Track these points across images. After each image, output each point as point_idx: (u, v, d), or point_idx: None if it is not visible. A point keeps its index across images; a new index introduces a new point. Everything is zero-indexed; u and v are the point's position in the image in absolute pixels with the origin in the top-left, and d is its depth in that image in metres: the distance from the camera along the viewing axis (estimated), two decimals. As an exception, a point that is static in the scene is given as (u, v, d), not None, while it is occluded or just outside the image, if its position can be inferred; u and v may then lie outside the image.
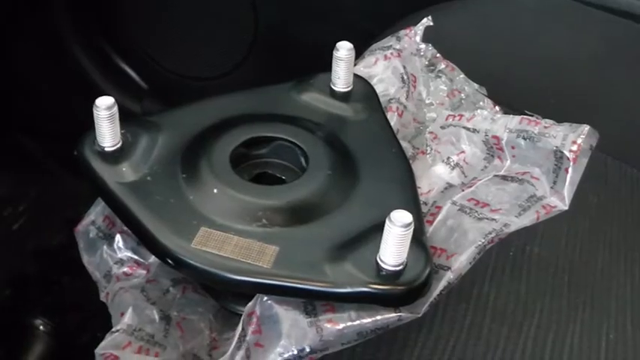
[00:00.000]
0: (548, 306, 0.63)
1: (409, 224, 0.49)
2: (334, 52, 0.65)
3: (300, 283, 0.52)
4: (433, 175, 0.64)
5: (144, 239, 0.56)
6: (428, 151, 0.66)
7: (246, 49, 1.32)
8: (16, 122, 1.48)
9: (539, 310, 0.63)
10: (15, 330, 1.20)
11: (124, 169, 0.58)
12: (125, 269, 0.61)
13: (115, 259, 0.62)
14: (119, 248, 0.62)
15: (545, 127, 0.61)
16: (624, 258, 0.70)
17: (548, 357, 0.60)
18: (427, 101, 0.71)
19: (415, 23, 0.74)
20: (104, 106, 0.57)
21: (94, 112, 0.57)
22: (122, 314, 0.56)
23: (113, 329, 0.55)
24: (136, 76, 1.45)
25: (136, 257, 0.61)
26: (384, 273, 0.51)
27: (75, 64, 1.43)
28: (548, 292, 0.65)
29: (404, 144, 0.65)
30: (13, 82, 1.46)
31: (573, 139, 0.60)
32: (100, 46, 1.45)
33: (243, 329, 0.53)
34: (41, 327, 1.20)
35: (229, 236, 0.54)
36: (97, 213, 0.62)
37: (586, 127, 0.60)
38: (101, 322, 0.59)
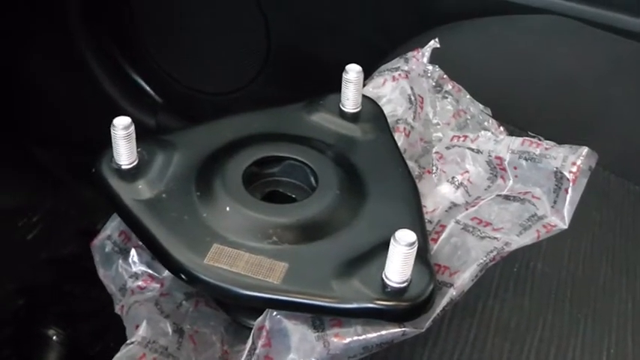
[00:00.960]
0: (550, 320, 0.64)
1: (413, 243, 0.51)
2: (343, 75, 0.66)
3: (308, 299, 0.53)
4: (438, 195, 0.65)
5: (158, 255, 0.57)
6: (434, 171, 0.67)
7: (259, 64, 1.33)
8: (31, 133, 1.50)
9: (542, 325, 0.64)
10: (28, 339, 1.21)
11: (140, 186, 0.60)
12: (140, 283, 0.62)
13: (130, 272, 0.63)
14: (134, 262, 0.63)
15: (546, 149, 0.63)
16: (626, 274, 0.71)
17: (550, 371, 0.61)
18: (434, 121, 0.72)
19: (424, 44, 0.76)
20: (121, 126, 0.58)
21: (112, 131, 0.59)
22: (137, 327, 0.57)
23: (128, 341, 0.56)
24: (150, 90, 1.46)
25: (150, 271, 0.63)
26: (389, 289, 0.52)
27: (90, 77, 1.44)
28: (551, 306, 0.66)
29: (411, 163, 0.66)
30: (29, 94, 1.48)
31: (573, 161, 0.61)
32: (115, 60, 1.46)
33: (253, 342, 0.54)
34: (54, 337, 1.20)
35: (241, 253, 0.55)
36: (112, 228, 0.64)
37: (585, 149, 0.62)
38: (114, 332, 0.60)
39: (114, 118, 0.59)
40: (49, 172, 1.48)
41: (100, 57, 1.45)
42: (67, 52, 1.44)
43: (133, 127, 0.59)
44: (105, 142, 0.61)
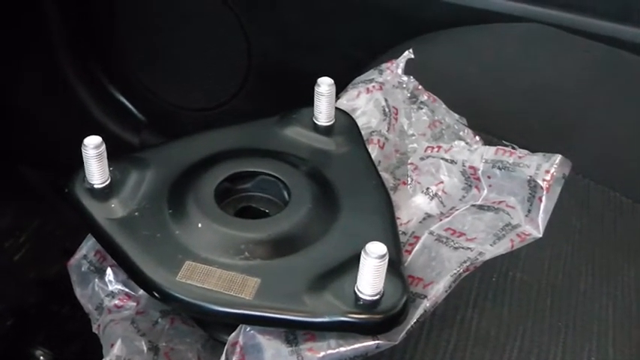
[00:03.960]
0: (530, 329, 0.64)
1: (384, 255, 0.51)
2: (315, 88, 0.66)
3: (281, 314, 0.53)
4: (413, 206, 0.65)
5: (131, 273, 0.57)
6: (409, 182, 0.67)
7: (241, 80, 1.33)
8: (17, 154, 1.50)
9: (522, 334, 0.63)
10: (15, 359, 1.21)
11: (112, 205, 0.60)
12: (116, 301, 0.63)
13: (106, 291, 0.63)
14: (110, 281, 0.63)
15: (520, 157, 0.62)
16: (607, 281, 0.70)
17: (530, 380, 0.61)
18: (409, 132, 0.72)
19: (402, 54, 0.76)
20: (92, 145, 0.58)
21: (83, 151, 0.59)
22: (112, 345, 0.57)
23: (102, 360, 0.56)
24: (134, 108, 1.47)
25: (126, 290, 0.63)
26: (361, 302, 0.52)
27: (74, 97, 1.44)
28: (531, 315, 0.65)
29: (385, 175, 0.67)
30: (15, 115, 1.48)
31: (546, 169, 0.61)
32: (99, 79, 1.46)
33: (227, 358, 0.54)
34: (41, 357, 1.20)
35: (213, 269, 0.55)
36: (88, 247, 0.64)
37: (558, 157, 0.61)
38: (99, 351, 0.60)
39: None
40: (35, 192, 1.48)
41: (83, 77, 1.45)
42: (51, 72, 1.44)
43: (104, 147, 0.59)
44: (80, 168, 0.61)
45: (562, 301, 0.67)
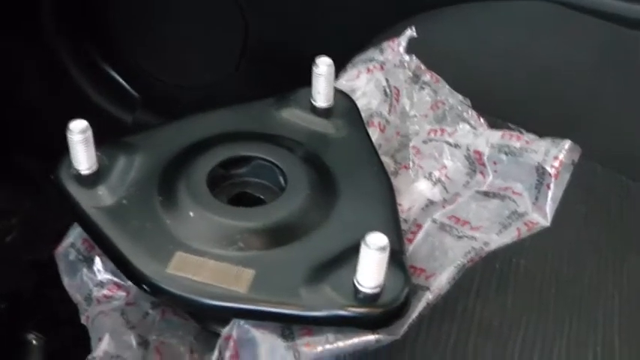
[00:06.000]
0: (534, 319, 0.63)
1: (384, 247, 0.49)
2: (313, 68, 0.64)
3: (277, 308, 0.51)
4: (415, 192, 0.63)
5: (120, 265, 0.55)
6: (411, 166, 0.66)
7: (237, 58, 1.32)
8: (11, 138, 1.49)
9: (526, 324, 0.62)
10: (7, 344, 1.20)
11: (100, 192, 0.58)
12: (105, 291, 0.61)
13: (95, 281, 0.61)
14: (99, 271, 0.61)
15: (527, 142, 0.61)
16: (612, 269, 0.69)
17: (535, 371, 0.60)
18: (411, 113, 0.71)
19: (403, 32, 0.74)
20: (77, 130, 0.56)
21: (68, 135, 0.57)
22: (100, 340, 0.56)
23: (89, 356, 0.55)
24: (128, 86, 1.45)
25: (115, 279, 0.61)
26: (361, 295, 0.51)
27: (68, 78, 1.43)
28: (535, 305, 0.64)
29: (386, 159, 0.65)
30: (9, 99, 1.46)
31: (555, 155, 0.59)
32: (93, 59, 1.45)
33: (220, 353, 0.53)
34: (34, 341, 1.20)
35: (205, 260, 0.53)
36: (76, 236, 0.62)
37: (567, 142, 0.60)
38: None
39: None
40: (29, 175, 1.47)
41: (78, 58, 1.44)
42: (44, 52, 1.43)
43: (90, 131, 0.57)
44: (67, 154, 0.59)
45: (567, 290, 0.66)
